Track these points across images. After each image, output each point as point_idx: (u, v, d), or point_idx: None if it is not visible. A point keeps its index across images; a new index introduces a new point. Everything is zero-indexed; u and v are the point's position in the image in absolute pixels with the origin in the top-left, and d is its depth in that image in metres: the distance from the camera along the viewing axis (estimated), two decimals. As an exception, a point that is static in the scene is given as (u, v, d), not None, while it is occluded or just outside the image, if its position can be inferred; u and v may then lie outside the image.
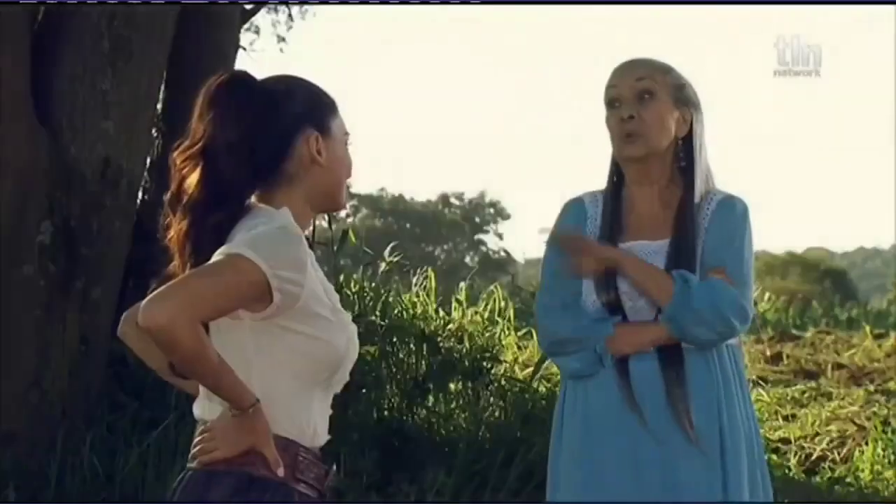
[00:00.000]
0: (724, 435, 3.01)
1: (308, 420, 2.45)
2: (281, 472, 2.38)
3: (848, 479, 6.92)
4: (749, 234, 3.12)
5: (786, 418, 8.49)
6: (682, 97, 3.14)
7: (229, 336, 2.40)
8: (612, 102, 3.13)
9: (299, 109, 2.49)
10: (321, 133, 2.49)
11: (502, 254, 46.46)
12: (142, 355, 2.61)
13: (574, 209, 3.21)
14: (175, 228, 2.45)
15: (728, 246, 3.07)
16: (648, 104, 3.09)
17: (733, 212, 3.11)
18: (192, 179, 2.43)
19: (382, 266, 7.49)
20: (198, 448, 2.42)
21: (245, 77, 2.52)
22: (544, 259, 3.23)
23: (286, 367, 2.41)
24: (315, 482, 2.46)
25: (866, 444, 7.30)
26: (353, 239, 7.35)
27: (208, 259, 2.34)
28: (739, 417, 3.05)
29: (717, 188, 3.17)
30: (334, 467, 2.53)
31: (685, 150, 3.14)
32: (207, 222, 2.41)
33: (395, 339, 6.55)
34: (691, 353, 3.03)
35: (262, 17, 10.76)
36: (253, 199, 2.49)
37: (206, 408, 2.47)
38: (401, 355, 6.55)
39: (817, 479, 7.04)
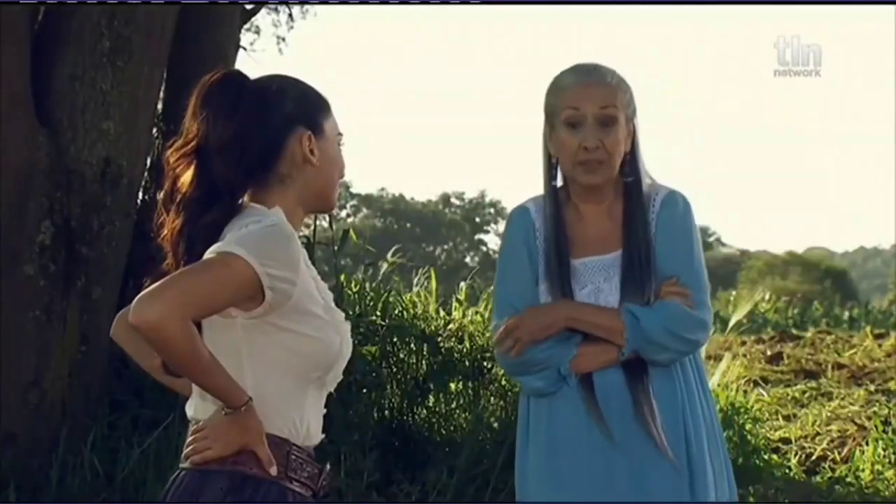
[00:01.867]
0: (689, 440, 3.01)
1: (301, 419, 2.45)
2: (273, 470, 2.38)
3: (848, 479, 6.92)
4: (695, 231, 3.09)
5: (786, 418, 8.49)
6: (631, 111, 3.09)
7: (222, 335, 2.40)
8: (572, 123, 3.05)
9: (291, 109, 2.48)
10: (314, 133, 2.49)
11: (503, 254, 46.40)
12: (134, 356, 2.61)
13: (520, 220, 3.16)
14: (168, 227, 2.45)
15: (677, 249, 3.04)
16: (610, 131, 3.03)
17: (676, 211, 3.08)
18: (186, 178, 2.44)
19: (384, 267, 7.49)
20: (190, 448, 2.42)
21: (237, 76, 2.52)
22: (496, 278, 3.19)
23: (279, 365, 2.41)
24: (309, 481, 2.46)
25: (867, 443, 7.30)
26: (355, 238, 7.35)
27: (201, 258, 2.35)
28: (702, 420, 3.05)
29: (655, 182, 3.13)
30: (328, 466, 2.53)
31: (631, 163, 3.09)
32: (200, 221, 2.42)
33: (395, 339, 6.55)
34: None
35: (263, 18, 10.77)
36: (246, 198, 2.49)
37: (198, 407, 2.47)
38: (401, 355, 6.54)
39: (818, 478, 7.04)
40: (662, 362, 3.01)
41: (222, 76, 2.49)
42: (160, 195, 2.49)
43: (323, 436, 2.54)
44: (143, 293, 2.26)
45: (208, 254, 2.33)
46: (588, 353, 3.01)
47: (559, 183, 3.15)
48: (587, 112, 3.03)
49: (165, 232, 2.46)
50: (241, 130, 2.43)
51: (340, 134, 2.56)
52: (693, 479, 2.99)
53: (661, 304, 2.99)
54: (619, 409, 2.98)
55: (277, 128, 2.46)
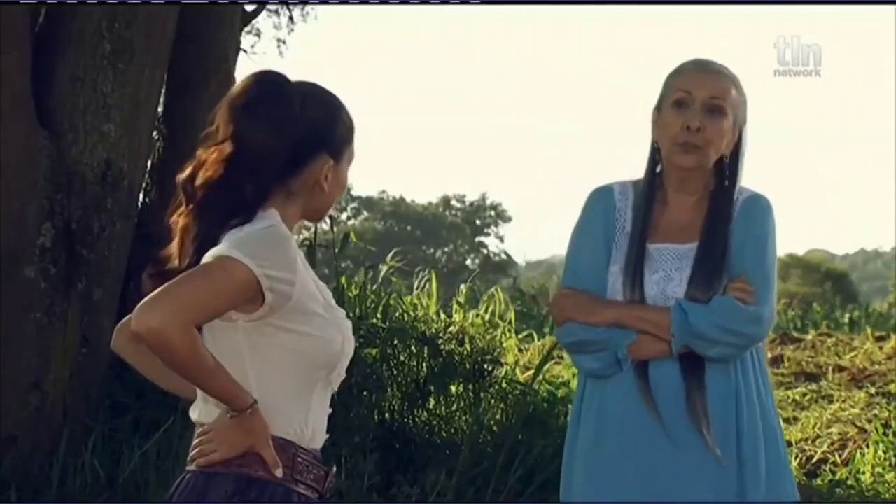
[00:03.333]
0: (741, 441, 3.01)
1: (306, 420, 2.45)
2: (279, 472, 2.38)
3: (849, 482, 6.92)
4: (772, 231, 3.12)
5: (787, 421, 8.47)
6: (741, 116, 3.14)
7: (224, 338, 2.41)
8: (680, 104, 3.10)
9: (326, 133, 2.48)
10: (335, 160, 2.49)
11: (503, 256, 46.47)
12: (137, 366, 2.61)
13: (603, 197, 3.19)
14: (181, 223, 2.45)
15: (750, 248, 3.08)
16: (717, 120, 3.08)
17: (756, 211, 3.12)
18: (210, 177, 2.42)
19: (384, 269, 7.50)
20: (196, 451, 2.43)
21: (283, 85, 2.47)
22: (568, 251, 3.20)
23: (282, 367, 2.41)
24: (315, 483, 2.46)
25: (867, 446, 7.29)
26: (355, 238, 7.34)
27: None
28: (759, 421, 3.04)
29: (742, 186, 3.17)
30: (334, 468, 2.53)
31: (730, 167, 3.14)
32: (214, 223, 2.41)
33: (395, 342, 6.55)
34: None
35: (264, 20, 10.76)
36: None
37: (203, 411, 2.47)
38: (402, 358, 6.54)
39: (818, 481, 7.04)
40: (716, 357, 3.01)
41: (268, 81, 2.46)
42: (181, 177, 2.47)
43: (327, 436, 2.55)
44: (143, 301, 2.27)
45: (206, 258, 2.34)
46: (646, 340, 3.03)
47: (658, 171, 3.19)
48: (697, 96, 3.09)
49: (176, 220, 2.45)
50: (277, 143, 2.42)
51: (353, 156, 2.57)
52: (744, 479, 2.99)
53: (715, 300, 3.01)
54: (671, 402, 3.00)
55: (308, 149, 2.46)
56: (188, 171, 2.45)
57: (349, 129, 2.54)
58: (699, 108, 3.08)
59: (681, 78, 3.13)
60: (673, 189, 3.16)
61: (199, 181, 2.42)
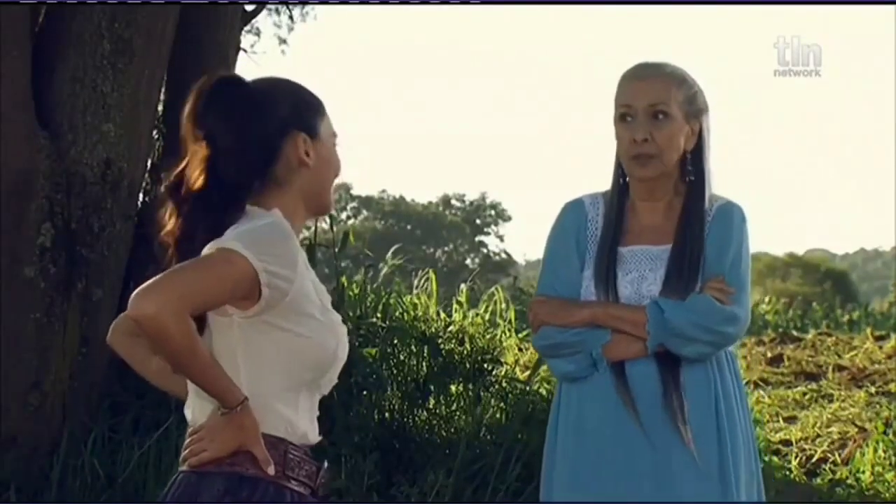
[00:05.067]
0: (722, 439, 3.01)
1: (297, 417, 2.45)
2: (271, 469, 2.38)
3: (849, 481, 6.91)
4: (746, 240, 3.13)
5: (787, 420, 8.48)
6: (694, 109, 3.12)
7: (218, 335, 2.42)
8: (623, 117, 3.11)
9: (286, 113, 2.49)
10: (309, 135, 2.49)
11: (503, 255, 46.47)
12: (132, 362, 2.63)
13: (574, 209, 3.21)
14: (172, 226, 2.46)
15: (725, 254, 3.08)
16: (662, 125, 3.07)
17: (731, 219, 3.12)
18: (194, 178, 2.44)
19: (384, 268, 7.50)
20: (188, 450, 2.43)
21: (231, 80, 2.52)
22: (542, 263, 3.23)
23: (274, 365, 2.41)
24: (307, 479, 2.46)
25: (867, 445, 7.29)
26: (353, 240, 7.34)
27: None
28: (738, 421, 3.05)
29: (715, 194, 3.17)
30: (325, 463, 2.53)
31: (693, 163, 3.13)
32: (205, 223, 2.42)
33: (395, 341, 6.55)
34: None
35: (264, 20, 10.77)
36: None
37: (196, 407, 2.47)
38: (402, 357, 6.55)
39: (818, 480, 7.04)
40: (691, 356, 3.01)
41: (217, 81, 2.49)
42: (165, 185, 2.49)
43: (320, 437, 2.54)
44: (141, 287, 2.27)
45: (206, 249, 2.35)
46: (620, 339, 3.03)
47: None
48: (637, 107, 3.08)
49: (168, 228, 2.47)
50: (239, 136, 2.44)
51: (335, 134, 2.57)
52: (724, 478, 2.99)
53: (691, 298, 3.02)
54: (649, 401, 3.00)
55: (273, 132, 2.47)
56: (171, 179, 2.47)
57: (313, 104, 2.54)
58: (643, 119, 3.07)
59: (620, 92, 3.13)
60: (639, 198, 3.16)
61: (184, 191, 2.44)
